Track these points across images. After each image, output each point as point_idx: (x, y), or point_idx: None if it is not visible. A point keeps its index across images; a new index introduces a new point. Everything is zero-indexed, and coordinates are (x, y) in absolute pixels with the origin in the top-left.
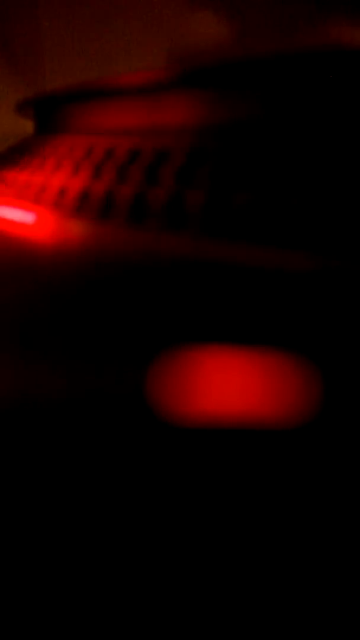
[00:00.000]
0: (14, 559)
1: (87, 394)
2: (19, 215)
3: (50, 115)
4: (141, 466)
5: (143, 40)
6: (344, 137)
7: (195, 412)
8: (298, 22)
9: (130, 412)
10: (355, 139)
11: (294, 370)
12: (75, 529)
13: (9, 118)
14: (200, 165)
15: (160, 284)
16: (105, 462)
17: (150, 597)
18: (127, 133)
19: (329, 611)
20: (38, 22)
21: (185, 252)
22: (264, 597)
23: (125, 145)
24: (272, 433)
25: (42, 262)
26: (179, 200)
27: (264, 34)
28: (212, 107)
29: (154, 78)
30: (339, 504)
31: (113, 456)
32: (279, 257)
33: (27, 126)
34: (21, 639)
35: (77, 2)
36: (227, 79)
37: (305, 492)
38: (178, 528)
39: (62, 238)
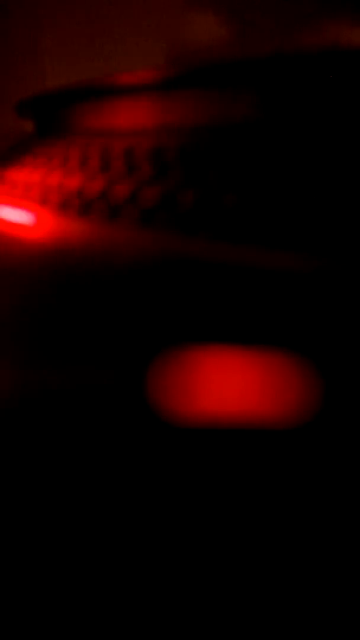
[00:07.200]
0: (13, 558)
1: (87, 395)
2: (18, 216)
3: (49, 114)
4: (141, 466)
5: (143, 40)
6: (342, 137)
7: (196, 412)
8: (298, 22)
9: (130, 412)
10: (353, 140)
11: (293, 370)
12: (75, 528)
13: (9, 118)
14: (198, 165)
15: (160, 284)
16: (105, 462)
17: (150, 597)
18: (127, 132)
19: (329, 611)
20: (38, 22)
21: (183, 253)
22: (264, 597)
23: (124, 145)
24: (272, 433)
25: (41, 263)
26: (175, 200)
27: (264, 34)
28: (212, 107)
29: (156, 75)
30: (339, 504)
31: (113, 456)
32: (276, 257)
33: (27, 126)
34: (21, 639)
35: (77, 2)
36: (226, 78)
37: (305, 492)
38: (178, 528)
39: (61, 238)
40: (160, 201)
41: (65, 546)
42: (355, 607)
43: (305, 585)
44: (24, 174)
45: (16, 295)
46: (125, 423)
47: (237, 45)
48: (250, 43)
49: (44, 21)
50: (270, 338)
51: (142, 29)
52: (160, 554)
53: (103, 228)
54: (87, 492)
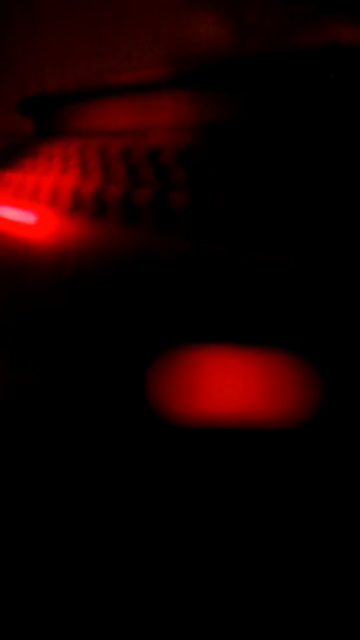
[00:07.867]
0: (14, 557)
1: (87, 394)
2: (18, 215)
3: (48, 114)
4: (141, 465)
5: (143, 40)
6: (338, 137)
7: (196, 412)
8: (298, 22)
9: (130, 412)
10: (351, 140)
11: (293, 370)
12: (76, 527)
13: (9, 118)
14: (201, 165)
15: (158, 284)
16: (106, 461)
17: (150, 595)
18: (124, 132)
19: (329, 610)
20: (38, 22)
21: (181, 253)
22: (264, 596)
23: (122, 145)
24: (272, 433)
25: (41, 261)
26: (165, 200)
27: (264, 34)
28: (211, 106)
29: (153, 76)
30: (338, 503)
31: (114, 455)
32: (271, 257)
33: (27, 126)
34: (21, 639)
35: (77, 2)
36: (221, 77)
37: (305, 491)
38: (178, 526)
39: (60, 237)
40: (156, 201)
41: (65, 545)
42: (355, 606)
43: (304, 583)
44: (24, 175)
45: (15, 294)
46: (125, 423)
47: (237, 45)
48: (250, 43)
49: (44, 21)
50: (270, 338)
51: (142, 29)
52: (159, 551)
53: (102, 228)
54: (87, 491)
